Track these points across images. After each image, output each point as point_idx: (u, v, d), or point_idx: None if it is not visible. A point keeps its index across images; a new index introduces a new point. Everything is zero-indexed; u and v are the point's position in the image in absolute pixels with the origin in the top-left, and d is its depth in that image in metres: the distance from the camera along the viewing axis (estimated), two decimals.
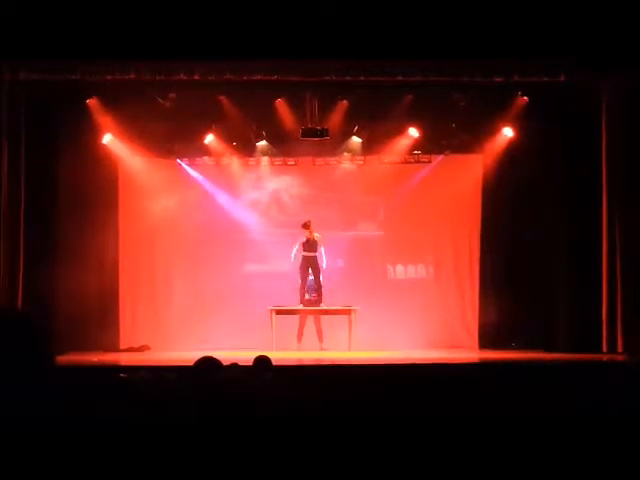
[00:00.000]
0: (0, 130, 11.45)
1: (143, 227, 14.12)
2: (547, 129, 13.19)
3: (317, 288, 13.53)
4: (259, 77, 11.63)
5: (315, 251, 13.52)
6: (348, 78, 11.78)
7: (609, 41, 10.91)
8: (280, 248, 14.22)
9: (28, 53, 10.86)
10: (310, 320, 13.71)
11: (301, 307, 13.50)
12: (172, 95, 12.73)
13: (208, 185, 14.47)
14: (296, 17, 10.49)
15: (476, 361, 11.79)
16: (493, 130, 13.80)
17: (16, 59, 11.17)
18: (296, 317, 13.65)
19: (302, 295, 13.55)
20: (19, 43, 10.67)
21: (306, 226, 13.54)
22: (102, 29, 10.50)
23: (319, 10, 10.35)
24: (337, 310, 13.47)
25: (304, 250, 13.54)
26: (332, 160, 14.52)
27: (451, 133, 14.04)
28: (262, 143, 14.11)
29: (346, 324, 13.30)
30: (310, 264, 13.51)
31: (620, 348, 12.06)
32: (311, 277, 13.62)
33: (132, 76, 11.43)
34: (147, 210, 14.09)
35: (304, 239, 13.54)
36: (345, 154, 14.34)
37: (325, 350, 13.34)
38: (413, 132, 13.88)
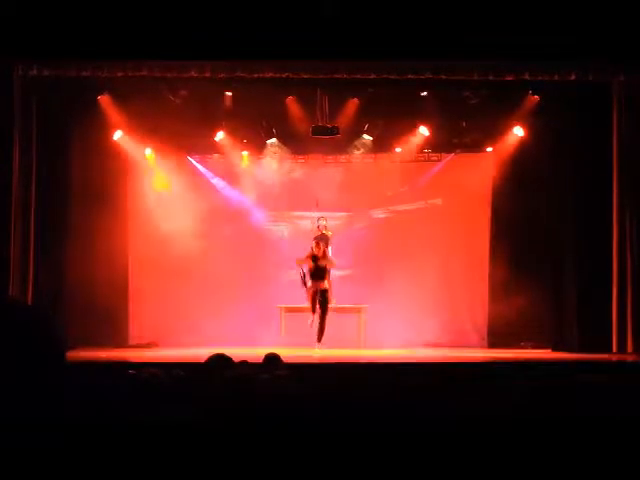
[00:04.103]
0: (12, 125, 11.49)
1: (152, 225, 14.14)
2: (558, 128, 13.17)
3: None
4: (270, 75, 11.66)
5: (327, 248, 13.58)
6: (359, 76, 11.79)
7: (620, 40, 10.89)
8: (290, 245, 14.24)
9: (39, 53, 10.95)
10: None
11: (307, 305, 13.49)
12: (183, 92, 12.76)
13: (218, 182, 14.51)
14: (305, 18, 10.52)
15: (485, 360, 11.76)
16: (504, 129, 13.78)
17: (28, 58, 11.24)
18: (304, 316, 13.65)
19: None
20: (30, 43, 10.74)
21: (321, 221, 13.71)
22: (114, 29, 10.55)
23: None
24: (347, 308, 13.47)
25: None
26: (342, 158, 14.54)
27: (462, 131, 14.03)
28: (272, 141, 14.13)
29: (356, 322, 13.31)
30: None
31: (630, 348, 12.02)
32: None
33: (144, 73, 11.47)
34: (157, 207, 14.13)
35: (318, 234, 13.57)
36: (355, 152, 14.34)
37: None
38: (423, 130, 13.87)
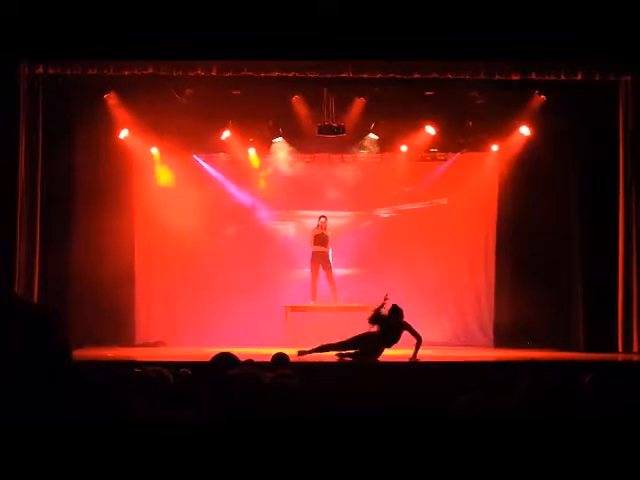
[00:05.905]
0: (18, 124, 11.51)
1: (158, 224, 14.15)
2: (564, 127, 13.16)
3: (330, 285, 13.57)
4: (276, 74, 11.66)
5: (326, 247, 13.62)
6: (365, 75, 11.78)
7: (628, 39, 10.87)
8: (295, 245, 14.24)
9: (45, 51, 10.99)
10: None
11: (312, 304, 13.53)
12: (189, 91, 12.78)
13: (224, 181, 14.51)
14: (311, 17, 10.54)
15: (491, 360, 11.74)
16: (510, 128, 13.77)
17: (34, 57, 11.28)
18: (309, 315, 13.65)
19: (313, 292, 13.56)
20: (36, 41, 10.77)
21: (322, 219, 13.67)
22: (119, 28, 10.58)
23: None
24: (352, 307, 13.46)
25: (315, 244, 13.61)
26: (348, 157, 14.54)
27: (468, 131, 14.02)
28: (278, 139, 14.13)
29: (360, 322, 13.29)
30: (320, 260, 13.58)
31: (636, 348, 12.01)
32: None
33: (150, 71, 11.48)
34: (162, 206, 14.14)
35: (318, 232, 13.64)
36: (361, 151, 14.34)
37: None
38: (429, 130, 13.86)
